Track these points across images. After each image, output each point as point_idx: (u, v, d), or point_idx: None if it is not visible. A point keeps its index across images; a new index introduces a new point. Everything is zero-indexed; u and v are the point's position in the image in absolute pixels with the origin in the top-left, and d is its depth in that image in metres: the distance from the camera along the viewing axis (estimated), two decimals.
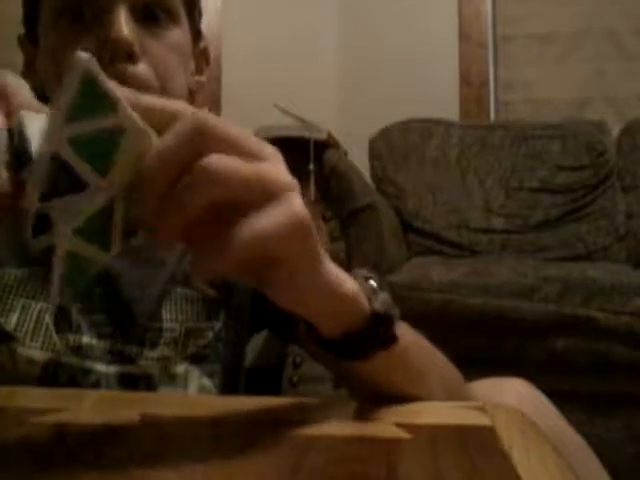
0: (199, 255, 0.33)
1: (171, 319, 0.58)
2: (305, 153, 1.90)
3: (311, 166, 1.89)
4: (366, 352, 0.42)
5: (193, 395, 0.59)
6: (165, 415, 0.43)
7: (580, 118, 2.25)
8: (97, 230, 0.32)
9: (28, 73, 0.63)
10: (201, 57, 0.68)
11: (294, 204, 0.34)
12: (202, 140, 0.33)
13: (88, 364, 0.54)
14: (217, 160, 0.32)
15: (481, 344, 1.45)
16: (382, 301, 0.42)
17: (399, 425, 0.40)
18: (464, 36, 2.41)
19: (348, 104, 2.43)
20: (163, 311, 0.58)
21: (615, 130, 2.14)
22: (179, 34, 0.59)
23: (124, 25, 0.54)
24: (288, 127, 1.98)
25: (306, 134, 1.91)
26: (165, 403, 0.48)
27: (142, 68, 0.56)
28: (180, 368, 0.57)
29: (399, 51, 2.42)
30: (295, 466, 0.34)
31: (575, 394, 1.43)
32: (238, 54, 2.40)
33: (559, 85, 2.38)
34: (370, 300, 0.41)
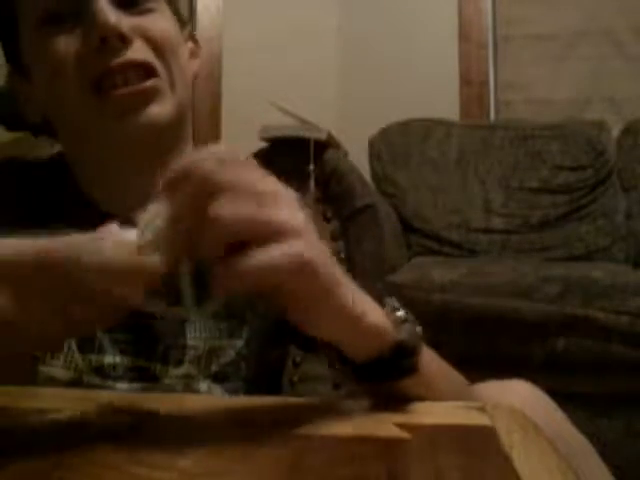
0: (217, 275, 0.35)
1: (195, 337, 0.58)
2: (305, 153, 1.89)
3: (311, 166, 1.89)
4: (386, 380, 0.43)
5: (193, 396, 0.59)
6: (164, 415, 0.43)
7: (580, 118, 2.25)
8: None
9: (26, 109, 0.62)
10: (189, 41, 0.67)
11: (298, 245, 0.36)
12: (210, 192, 0.35)
13: (109, 384, 0.54)
14: (227, 209, 0.35)
15: (481, 344, 1.45)
16: (407, 332, 0.43)
17: (399, 425, 0.40)
18: (464, 36, 2.41)
19: (348, 104, 2.43)
20: (187, 329, 0.58)
21: (615, 130, 2.14)
22: (163, 18, 0.60)
23: (108, 11, 0.54)
24: (288, 127, 1.98)
25: (306, 134, 1.91)
26: (164, 404, 0.48)
27: (138, 46, 0.56)
28: (203, 386, 0.57)
29: (399, 51, 2.42)
30: (295, 466, 0.34)
31: (575, 394, 1.43)
32: (238, 54, 2.40)
33: (559, 85, 2.38)
34: (396, 331, 0.42)
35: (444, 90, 2.38)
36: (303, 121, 1.96)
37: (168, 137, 0.58)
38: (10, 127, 2.11)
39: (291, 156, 1.95)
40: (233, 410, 0.44)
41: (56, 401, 0.45)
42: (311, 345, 0.63)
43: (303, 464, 0.34)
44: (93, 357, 0.54)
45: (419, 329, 0.45)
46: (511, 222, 2.04)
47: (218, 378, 0.58)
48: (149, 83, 0.56)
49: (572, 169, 2.06)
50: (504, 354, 1.46)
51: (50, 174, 0.62)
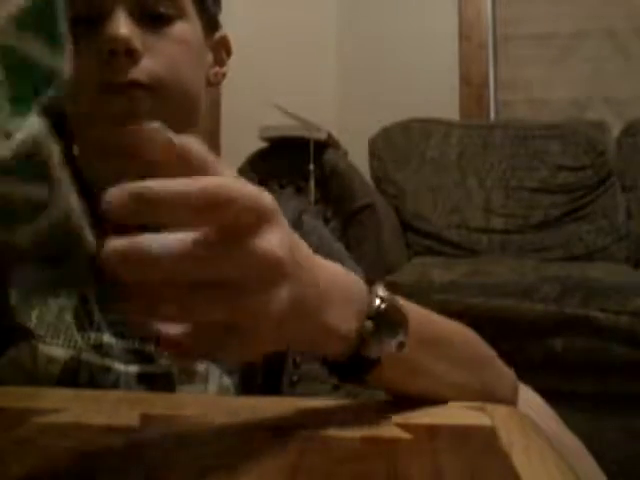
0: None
1: None
2: (305, 153, 1.89)
3: (311, 166, 1.89)
4: (356, 375, 0.42)
5: (193, 395, 0.59)
6: (163, 415, 0.43)
7: (580, 118, 2.25)
8: (41, 20, 0.26)
9: None
10: (219, 47, 0.66)
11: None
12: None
13: (108, 362, 0.54)
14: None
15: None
16: (375, 345, 0.40)
17: (399, 425, 0.40)
18: (464, 36, 2.41)
19: (348, 104, 2.43)
20: None
21: (615, 130, 2.14)
22: (185, 28, 0.59)
23: (121, 23, 0.54)
24: (288, 127, 1.98)
25: (306, 134, 1.91)
26: (164, 404, 0.48)
27: (145, 64, 0.55)
28: (200, 367, 0.57)
29: (399, 51, 2.42)
30: (295, 466, 0.34)
31: (575, 394, 1.43)
32: (238, 54, 2.40)
33: (559, 85, 2.38)
34: (362, 342, 0.40)
35: (444, 90, 2.39)
36: (303, 121, 1.96)
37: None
38: None
39: (291, 156, 1.95)
40: (234, 410, 0.44)
41: (56, 401, 0.45)
42: None
43: (304, 464, 0.34)
44: (92, 335, 0.55)
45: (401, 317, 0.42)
46: (511, 222, 2.04)
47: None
48: (144, 108, 0.55)
49: (572, 169, 2.06)
50: (503, 354, 1.46)
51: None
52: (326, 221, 1.88)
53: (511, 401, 0.54)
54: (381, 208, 1.89)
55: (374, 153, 2.18)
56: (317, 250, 0.66)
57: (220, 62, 0.67)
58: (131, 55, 0.54)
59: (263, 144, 2.03)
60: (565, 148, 2.08)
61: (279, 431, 0.39)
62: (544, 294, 1.48)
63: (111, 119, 0.54)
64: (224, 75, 0.67)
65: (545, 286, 1.50)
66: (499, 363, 0.56)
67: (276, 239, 0.32)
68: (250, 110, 2.15)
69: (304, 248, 0.37)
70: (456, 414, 0.43)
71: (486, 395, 0.48)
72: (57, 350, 0.54)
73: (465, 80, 2.40)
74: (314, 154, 1.89)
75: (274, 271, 0.32)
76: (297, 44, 2.43)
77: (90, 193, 0.54)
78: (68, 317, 0.54)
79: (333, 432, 0.39)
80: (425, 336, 0.45)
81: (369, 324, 0.40)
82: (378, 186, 2.13)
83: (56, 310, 0.55)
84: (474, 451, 0.37)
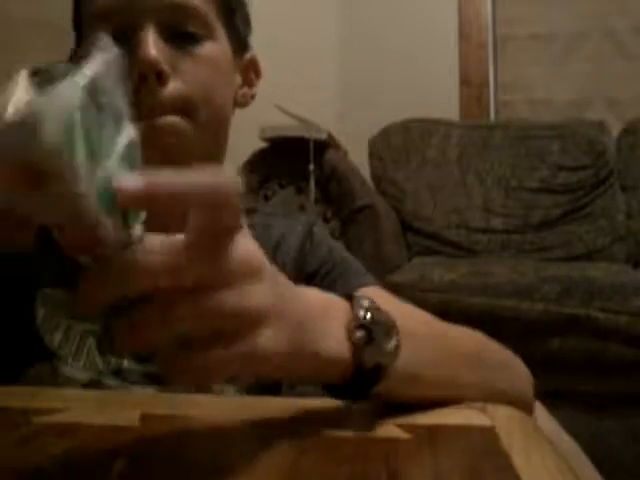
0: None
1: None
2: (305, 153, 1.89)
3: (311, 166, 1.89)
4: (355, 398, 0.41)
5: (194, 396, 0.59)
6: (165, 415, 0.43)
7: (580, 118, 2.24)
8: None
9: None
10: (249, 68, 0.66)
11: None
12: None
13: (126, 386, 0.55)
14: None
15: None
16: (369, 353, 0.39)
17: (399, 425, 0.40)
18: (464, 36, 2.41)
19: (348, 104, 2.43)
20: None
21: (615, 130, 2.14)
22: (213, 48, 0.58)
23: (151, 45, 0.53)
24: (288, 127, 1.98)
25: (306, 134, 1.91)
26: (166, 404, 0.48)
27: (172, 87, 0.55)
28: (215, 387, 0.58)
29: (399, 51, 2.42)
30: (295, 466, 0.34)
31: (574, 394, 1.43)
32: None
33: (559, 85, 2.38)
34: (359, 353, 0.39)
35: (444, 90, 2.38)
36: (303, 121, 1.96)
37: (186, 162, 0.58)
38: None
39: (291, 156, 1.95)
40: (234, 410, 0.44)
41: (57, 401, 0.45)
42: None
43: (303, 464, 0.34)
44: (113, 360, 0.55)
45: (389, 333, 0.40)
46: (511, 222, 2.04)
47: (229, 379, 0.59)
48: (172, 131, 0.55)
49: (572, 169, 2.06)
50: None
51: None
52: (326, 221, 1.88)
53: (527, 401, 0.53)
54: (381, 208, 1.89)
55: (374, 153, 2.18)
56: (325, 261, 0.66)
57: (249, 83, 0.66)
58: (160, 77, 0.54)
59: (263, 144, 2.03)
60: (565, 148, 2.08)
61: (279, 431, 0.39)
62: (544, 294, 1.48)
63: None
64: (253, 97, 0.67)
65: (545, 286, 1.50)
66: (513, 362, 0.55)
67: (259, 292, 0.32)
68: (250, 110, 2.14)
69: (282, 282, 0.36)
70: (456, 414, 0.43)
71: (496, 395, 0.47)
72: (77, 372, 0.55)
73: (465, 80, 2.40)
74: (314, 154, 1.89)
75: (256, 321, 0.32)
76: (297, 44, 2.43)
77: None
78: (90, 341, 0.56)
79: (332, 432, 0.39)
80: (423, 338, 0.44)
81: (360, 334, 0.39)
82: (378, 186, 2.13)
83: (79, 333, 0.56)
84: (474, 451, 0.37)
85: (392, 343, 0.40)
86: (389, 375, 0.40)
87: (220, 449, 0.36)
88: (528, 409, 0.52)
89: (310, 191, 1.89)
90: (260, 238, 0.35)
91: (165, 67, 0.54)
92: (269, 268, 0.34)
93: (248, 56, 0.66)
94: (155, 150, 0.53)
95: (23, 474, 0.32)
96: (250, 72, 0.67)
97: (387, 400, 0.43)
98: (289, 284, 0.36)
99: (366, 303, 0.40)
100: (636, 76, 2.31)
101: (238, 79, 0.64)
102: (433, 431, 0.40)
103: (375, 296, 0.42)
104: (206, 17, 0.58)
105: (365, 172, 2.08)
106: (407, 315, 0.47)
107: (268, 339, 0.32)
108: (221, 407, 0.47)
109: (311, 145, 1.88)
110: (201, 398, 0.57)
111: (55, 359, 0.55)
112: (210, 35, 0.58)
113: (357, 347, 0.38)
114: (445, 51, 2.40)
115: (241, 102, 0.65)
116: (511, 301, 1.48)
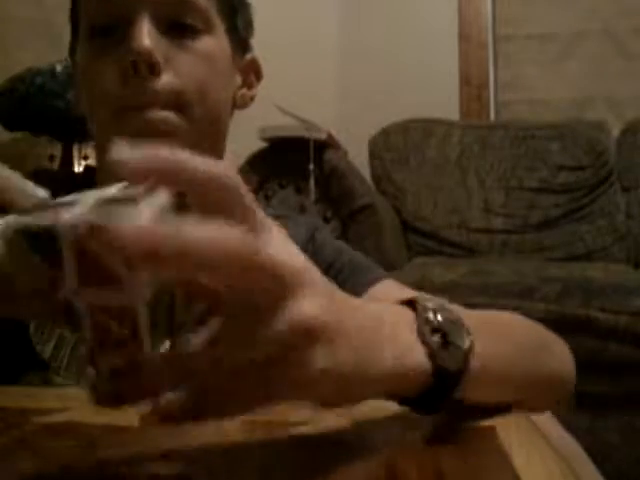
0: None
1: None
2: (305, 153, 1.89)
3: (311, 166, 1.89)
4: (438, 408, 0.37)
5: None
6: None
7: (580, 118, 2.24)
8: None
9: (76, 103, 0.61)
10: (248, 70, 0.65)
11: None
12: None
13: None
14: None
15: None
16: (449, 356, 0.36)
17: (399, 425, 0.40)
18: (464, 36, 2.41)
19: (348, 104, 2.43)
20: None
21: (615, 130, 2.14)
22: (211, 43, 0.57)
23: (145, 36, 0.52)
24: (288, 127, 1.98)
25: (306, 134, 1.91)
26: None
27: (165, 80, 0.54)
28: None
29: (399, 51, 2.42)
30: (295, 465, 0.34)
31: (574, 394, 1.43)
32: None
33: (559, 85, 2.38)
34: (438, 359, 0.35)
35: (444, 90, 2.38)
36: (303, 121, 1.96)
37: None
38: (10, 127, 2.11)
39: (291, 156, 1.95)
40: None
41: (56, 401, 0.45)
42: None
43: (304, 463, 0.34)
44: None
45: (461, 332, 0.37)
46: (511, 222, 2.04)
47: None
48: (163, 127, 0.54)
49: (572, 169, 2.06)
50: None
51: (77, 186, 0.61)
52: (326, 221, 1.88)
53: (571, 381, 0.52)
54: (381, 208, 1.89)
55: (374, 153, 2.18)
56: (334, 262, 0.66)
57: (249, 84, 0.65)
58: (153, 68, 0.53)
59: (263, 144, 2.03)
60: (565, 148, 2.08)
61: (279, 430, 0.39)
62: (544, 294, 1.48)
63: (127, 134, 0.52)
64: (252, 98, 0.66)
65: (545, 286, 1.49)
66: (559, 343, 0.54)
67: (309, 307, 0.28)
68: (250, 110, 2.14)
69: (340, 297, 0.31)
70: None
71: (553, 378, 0.46)
72: (69, 382, 0.54)
73: (465, 80, 2.40)
74: (314, 154, 1.89)
75: (308, 339, 0.28)
76: (297, 44, 2.43)
77: None
78: (83, 350, 0.55)
79: (332, 432, 0.39)
80: (485, 332, 0.40)
81: (436, 337, 0.35)
82: (378, 186, 2.13)
83: (72, 343, 0.55)
84: (474, 451, 0.37)
85: (467, 342, 0.37)
86: (469, 377, 0.36)
87: (220, 449, 0.36)
88: (569, 390, 0.51)
89: (310, 191, 1.89)
90: None
91: (158, 58, 0.53)
92: (321, 281, 0.29)
93: (249, 57, 0.65)
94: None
95: (23, 474, 0.32)
96: (250, 74, 0.66)
97: (467, 404, 0.39)
98: (347, 298, 0.32)
99: (431, 304, 0.37)
100: (636, 76, 2.31)
101: (238, 80, 0.64)
102: (433, 431, 0.40)
103: (392, 289, 0.40)
104: (206, 12, 0.57)
105: (365, 172, 2.08)
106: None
107: (325, 358, 0.28)
108: None
109: (311, 145, 1.88)
110: None
111: (47, 370, 0.55)
112: (209, 30, 0.57)
113: (434, 352, 0.35)
114: (445, 51, 2.40)
115: (240, 103, 0.65)
116: (511, 301, 1.48)
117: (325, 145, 1.94)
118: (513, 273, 1.58)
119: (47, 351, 0.55)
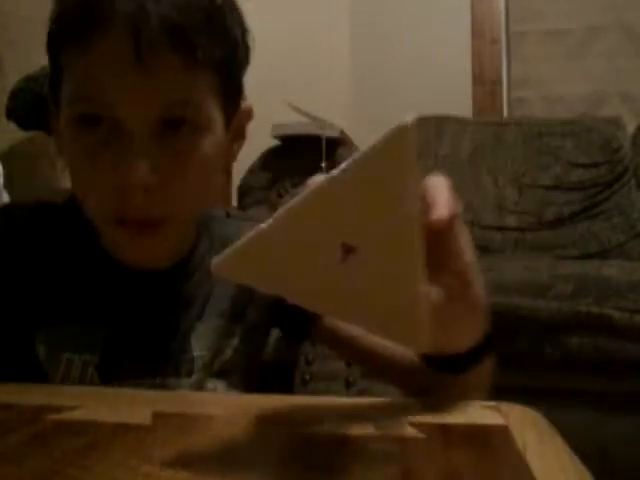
0: None
1: (200, 348, 0.60)
2: (317, 151, 1.89)
3: (323, 164, 1.89)
4: (472, 366, 0.49)
5: (205, 393, 0.59)
6: (176, 414, 0.43)
7: (595, 114, 2.23)
8: None
9: (52, 133, 0.59)
10: (241, 120, 0.61)
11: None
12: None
13: None
14: None
15: (494, 342, 1.44)
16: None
17: (413, 424, 0.40)
18: (477, 33, 2.40)
19: (361, 102, 2.43)
20: (192, 342, 0.60)
21: (630, 126, 2.12)
22: (208, 143, 0.54)
23: (140, 166, 0.50)
24: (301, 125, 1.98)
25: (319, 132, 1.91)
26: (176, 402, 0.49)
27: (160, 200, 0.52)
28: (210, 385, 0.60)
29: (412, 48, 2.41)
30: (308, 463, 0.34)
31: (589, 393, 1.42)
32: (251, 53, 2.40)
33: (573, 81, 2.36)
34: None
35: (457, 87, 2.37)
36: (315, 119, 1.96)
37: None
38: (25, 126, 2.12)
39: (303, 154, 1.95)
40: (245, 408, 0.44)
41: (70, 399, 0.45)
42: (300, 333, 0.67)
43: (316, 462, 0.34)
44: (115, 383, 0.56)
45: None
46: (524, 220, 2.03)
47: (221, 375, 0.61)
48: (151, 240, 0.55)
49: (586, 166, 2.04)
50: (517, 352, 1.45)
51: (65, 218, 0.61)
52: None
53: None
54: None
55: None
56: None
57: (240, 134, 0.61)
58: (147, 191, 0.51)
59: (276, 142, 2.03)
60: (579, 145, 2.06)
61: (290, 428, 0.39)
62: (558, 292, 1.47)
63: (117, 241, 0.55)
64: (241, 146, 0.62)
65: (559, 284, 1.48)
66: None
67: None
68: (262, 108, 2.15)
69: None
70: (470, 413, 0.43)
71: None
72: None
73: (478, 77, 2.38)
74: (326, 152, 1.89)
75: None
76: (310, 42, 2.43)
77: (110, 263, 0.57)
78: (91, 370, 0.56)
79: (346, 430, 0.39)
80: None
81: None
82: None
83: (81, 365, 0.56)
84: (488, 451, 0.37)
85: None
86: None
87: (230, 447, 0.36)
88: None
89: None
90: None
91: (153, 180, 0.51)
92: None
93: (242, 107, 0.61)
94: (132, 249, 0.55)
95: (36, 471, 0.32)
96: (243, 123, 0.62)
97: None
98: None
99: None
100: None
101: (229, 140, 0.59)
102: (447, 430, 0.40)
103: None
104: (205, 111, 0.54)
105: None
106: None
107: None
108: (234, 405, 0.47)
109: (323, 143, 1.88)
110: (213, 397, 0.58)
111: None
112: (207, 125, 0.54)
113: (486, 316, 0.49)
114: (458, 48, 2.39)
115: (230, 158, 0.61)
116: (525, 299, 1.47)
117: (337, 142, 1.93)
118: (527, 271, 1.57)
119: (57, 378, 0.56)
